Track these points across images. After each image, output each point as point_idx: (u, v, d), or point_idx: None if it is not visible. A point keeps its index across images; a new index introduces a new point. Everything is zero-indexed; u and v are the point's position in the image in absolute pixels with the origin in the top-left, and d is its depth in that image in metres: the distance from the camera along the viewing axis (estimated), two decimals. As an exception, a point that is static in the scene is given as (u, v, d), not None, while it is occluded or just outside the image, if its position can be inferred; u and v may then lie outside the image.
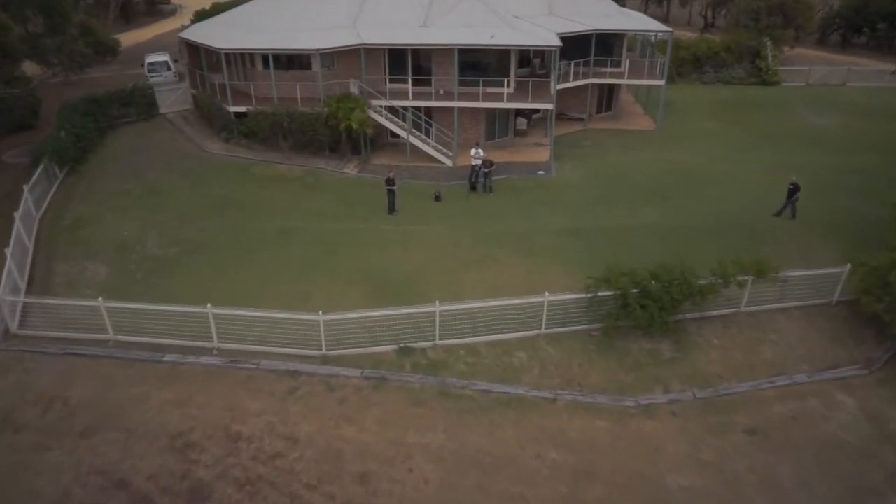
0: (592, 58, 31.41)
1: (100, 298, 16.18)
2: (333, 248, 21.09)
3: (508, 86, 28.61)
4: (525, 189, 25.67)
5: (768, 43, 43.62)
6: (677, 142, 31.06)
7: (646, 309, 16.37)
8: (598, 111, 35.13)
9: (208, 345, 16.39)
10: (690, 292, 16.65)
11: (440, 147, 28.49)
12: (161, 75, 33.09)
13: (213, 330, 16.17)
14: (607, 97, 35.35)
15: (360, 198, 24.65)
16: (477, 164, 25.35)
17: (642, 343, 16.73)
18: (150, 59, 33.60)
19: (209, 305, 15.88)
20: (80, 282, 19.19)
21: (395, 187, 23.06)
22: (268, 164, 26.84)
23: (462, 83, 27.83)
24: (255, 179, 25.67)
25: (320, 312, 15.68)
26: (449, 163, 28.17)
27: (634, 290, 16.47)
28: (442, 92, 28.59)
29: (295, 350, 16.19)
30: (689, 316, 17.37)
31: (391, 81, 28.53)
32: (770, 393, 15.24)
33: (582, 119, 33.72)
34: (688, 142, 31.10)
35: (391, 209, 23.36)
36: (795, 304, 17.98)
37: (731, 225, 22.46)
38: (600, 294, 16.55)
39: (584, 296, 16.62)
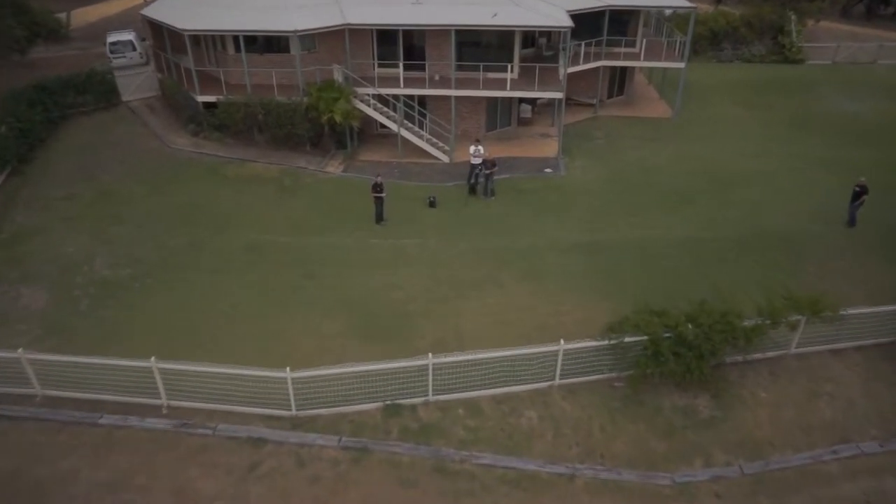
0: (605, 37, 28.15)
1: (20, 350, 13.35)
2: (311, 268, 18.23)
3: (512, 71, 25.41)
4: (531, 191, 22.71)
5: (793, 16, 40.11)
6: (698, 132, 27.99)
7: (680, 357, 13.65)
8: (610, 95, 31.90)
9: (156, 402, 13.64)
10: (734, 336, 13.91)
11: (435, 141, 25.43)
12: (125, 56, 29.63)
13: (161, 386, 13.41)
14: (619, 79, 32.09)
15: (344, 203, 21.68)
16: (476, 164, 22.36)
17: (675, 397, 14.02)
18: (113, 37, 30.08)
19: (153, 359, 13.07)
20: (11, 313, 16.34)
21: (382, 194, 20.10)
22: (241, 163, 23.77)
23: (460, 68, 24.66)
24: (226, 182, 22.62)
25: (287, 369, 12.90)
26: (445, 159, 25.14)
27: (667, 335, 13.73)
28: (437, 78, 25.40)
29: (260, 410, 13.46)
30: (729, 360, 14.64)
31: (380, 66, 25.30)
32: (833, 467, 12.59)
33: (592, 105, 30.55)
34: (710, 132, 28.03)
35: (379, 218, 20.43)
36: (852, 344, 15.27)
37: (767, 237, 19.62)
38: (626, 340, 13.80)
39: (605, 343, 13.85)
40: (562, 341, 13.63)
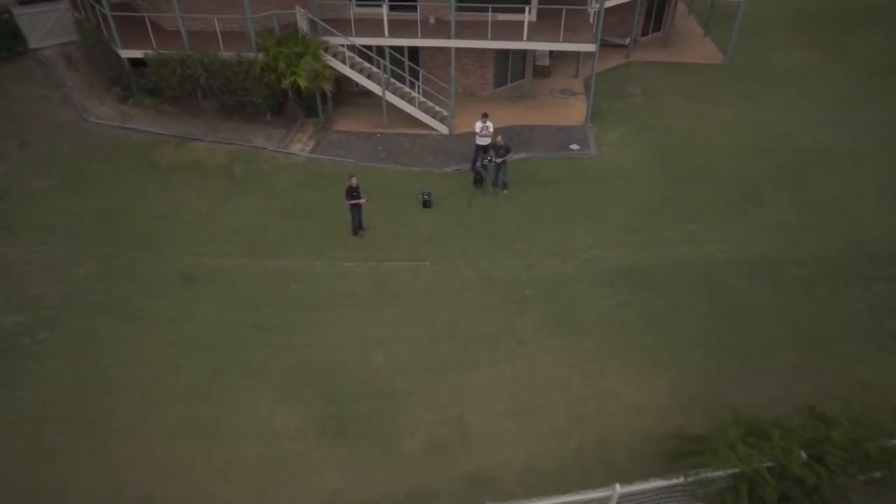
0: (647, -39, 22.08)
1: None
2: (264, 313, 13.58)
3: (529, 12, 19.56)
4: (554, 182, 17.67)
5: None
6: (758, 87, 22.47)
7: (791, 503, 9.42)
8: (644, 32, 26.01)
9: (29, 566, 9.52)
10: (867, 465, 9.62)
11: (430, 105, 20.05)
12: (36, -14, 23.36)
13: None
14: (657, 11, 26.04)
15: (313, 201, 16.71)
16: (484, 145, 17.26)
17: (774, 548, 9.89)
18: (20, -40, 23.64)
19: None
20: None
21: (361, 200, 15.11)
22: (180, 142, 18.44)
23: (462, 8, 18.86)
24: (158, 172, 17.42)
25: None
26: (443, 129, 19.86)
27: (769, 465, 9.40)
28: (433, 22, 19.63)
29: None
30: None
31: (358, 6, 19.41)
32: None
33: (624, 46, 24.77)
34: (772, 87, 22.51)
35: (357, 228, 15.58)
36: None
37: (869, 257, 14.89)
38: (710, 476, 9.49)
39: (680, 481, 9.53)
40: (617, 486, 9.25)
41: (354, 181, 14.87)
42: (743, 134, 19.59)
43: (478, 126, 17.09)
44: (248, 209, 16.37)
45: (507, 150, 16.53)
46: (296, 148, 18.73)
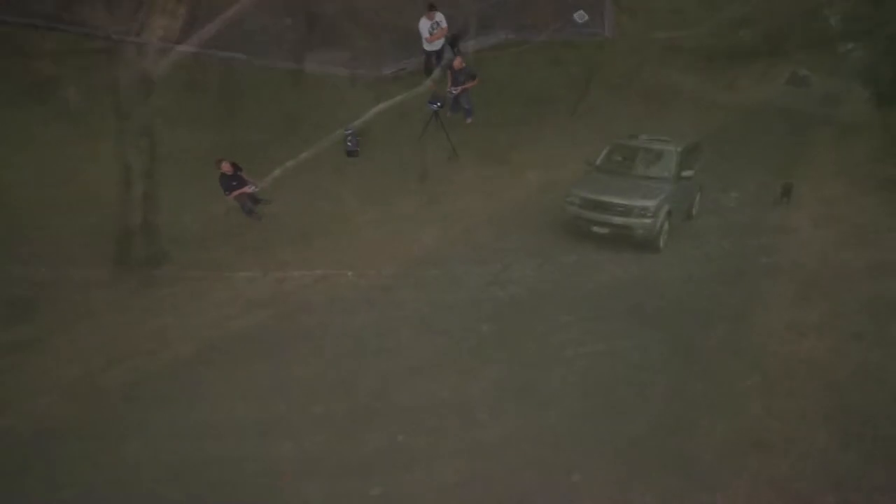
0: None
1: None
2: (129, 370, 9.83)
3: None
4: (544, 98, 12.06)
5: None
6: None
7: None
8: None
9: None
10: None
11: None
12: None
13: None
14: None
15: (187, 147, 11.44)
16: (436, 51, 11.36)
17: None
18: None
19: None
20: None
21: (248, 189, 10.14)
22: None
23: None
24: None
25: None
26: (383, -23, 13.01)
27: None
28: None
29: None
30: None
31: None
32: None
33: None
34: None
35: (249, 210, 10.89)
36: None
37: None
38: None
39: None
40: None
41: (226, 167, 9.71)
42: None
43: (423, 27, 10.92)
44: (97, 170, 11.27)
45: (471, 77, 10.74)
46: (158, 27, 12.35)
